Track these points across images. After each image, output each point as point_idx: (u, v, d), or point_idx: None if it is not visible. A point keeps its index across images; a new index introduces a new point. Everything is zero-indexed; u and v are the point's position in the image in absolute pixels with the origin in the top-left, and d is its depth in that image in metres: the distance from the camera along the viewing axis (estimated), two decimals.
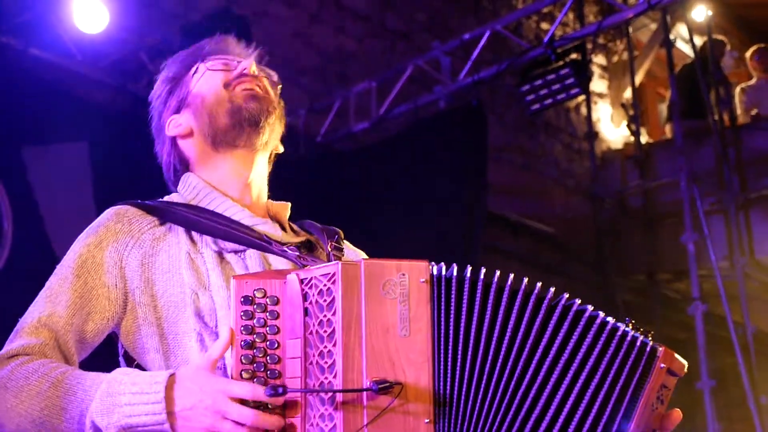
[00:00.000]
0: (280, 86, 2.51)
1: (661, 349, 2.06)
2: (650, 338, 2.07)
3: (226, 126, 2.38)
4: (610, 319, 2.05)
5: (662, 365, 2.05)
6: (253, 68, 2.44)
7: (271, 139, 2.43)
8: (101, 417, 1.94)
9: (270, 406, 1.90)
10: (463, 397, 1.94)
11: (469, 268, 2.00)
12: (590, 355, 2.00)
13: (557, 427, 1.96)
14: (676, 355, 2.09)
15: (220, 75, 2.43)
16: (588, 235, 10.47)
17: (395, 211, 7.45)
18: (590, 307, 2.04)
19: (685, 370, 2.12)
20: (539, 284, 2.03)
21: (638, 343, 2.05)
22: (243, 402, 1.88)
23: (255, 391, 1.88)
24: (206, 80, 2.44)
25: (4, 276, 5.81)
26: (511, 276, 2.02)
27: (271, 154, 2.52)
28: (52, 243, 6.01)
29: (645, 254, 10.29)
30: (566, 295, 2.04)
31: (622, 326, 2.05)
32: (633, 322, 2.08)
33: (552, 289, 2.03)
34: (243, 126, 2.38)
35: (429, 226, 7.33)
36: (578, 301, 2.04)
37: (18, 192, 6.07)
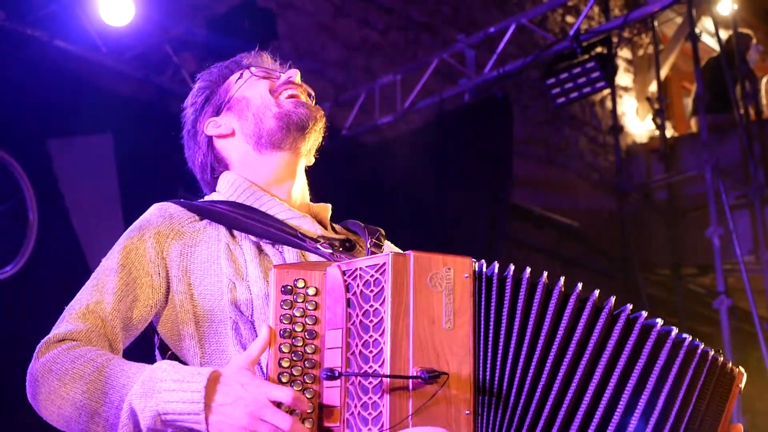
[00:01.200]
0: (314, 101, 2.57)
1: (737, 369, 2.11)
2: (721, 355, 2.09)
3: (272, 129, 2.44)
4: (686, 336, 2.05)
5: (740, 386, 2.10)
6: (298, 78, 2.51)
7: (312, 146, 2.50)
8: (139, 400, 1.96)
9: (305, 415, 1.92)
10: (504, 392, 1.95)
11: (512, 268, 2.01)
12: (664, 369, 2.01)
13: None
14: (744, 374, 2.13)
15: (264, 82, 2.50)
16: (612, 229, 10.43)
17: (420, 205, 7.43)
18: (659, 321, 2.05)
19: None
20: (597, 291, 2.04)
21: (719, 364, 2.08)
22: (280, 406, 1.90)
23: (295, 396, 1.89)
24: (250, 85, 2.50)
25: (30, 267, 5.82)
26: (562, 279, 2.03)
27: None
28: (77, 234, 6.02)
29: (670, 248, 10.25)
30: (630, 306, 2.04)
31: (701, 345, 2.06)
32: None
33: (612, 299, 2.04)
34: (291, 130, 2.44)
35: (453, 220, 7.32)
36: (644, 314, 2.04)
37: (43, 184, 6.10)
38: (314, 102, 2.55)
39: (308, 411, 1.92)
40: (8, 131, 5.93)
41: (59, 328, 2.17)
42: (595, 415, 1.97)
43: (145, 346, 2.38)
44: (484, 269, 2.00)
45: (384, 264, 1.91)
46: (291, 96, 2.49)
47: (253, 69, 2.53)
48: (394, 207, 7.35)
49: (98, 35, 6.52)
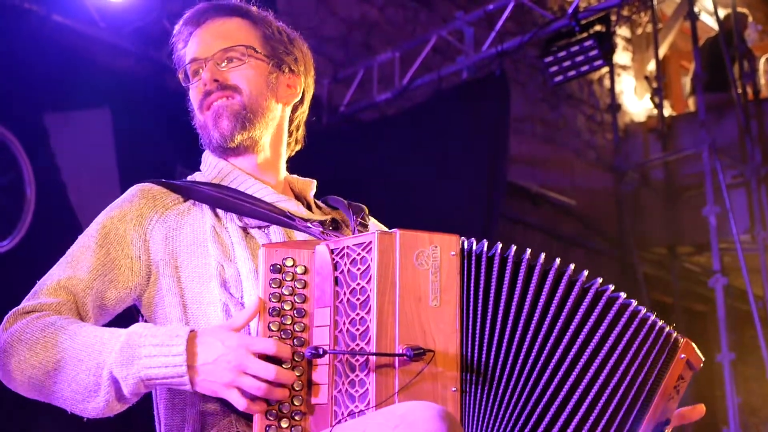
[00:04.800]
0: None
1: (683, 340, 2.10)
2: (673, 329, 2.10)
3: (212, 147, 2.38)
4: (642, 308, 2.07)
5: (683, 356, 2.08)
6: (210, 75, 2.34)
7: (263, 135, 2.38)
8: (120, 368, 1.95)
9: (294, 392, 1.92)
10: (490, 368, 1.96)
11: (499, 245, 2.02)
12: (621, 340, 2.03)
13: (584, 405, 1.98)
14: (696, 349, 2.12)
15: (195, 92, 2.39)
16: (609, 208, 10.44)
17: (417, 181, 7.44)
18: (623, 295, 2.06)
19: (701, 365, 2.15)
20: (572, 266, 2.06)
21: (664, 333, 2.08)
22: (264, 359, 1.90)
23: (278, 347, 1.90)
24: (192, 97, 2.42)
25: (27, 242, 5.84)
26: (543, 255, 2.04)
27: (292, 123, 2.51)
28: (74, 209, 6.03)
29: (666, 227, 10.27)
30: (600, 280, 2.06)
31: (651, 315, 2.07)
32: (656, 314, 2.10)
33: (585, 272, 2.06)
34: (224, 150, 2.36)
35: (450, 197, 7.33)
36: (611, 287, 2.06)
37: (41, 158, 6.09)
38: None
39: (297, 388, 1.93)
40: (6, 106, 5.93)
41: (29, 301, 2.14)
42: (577, 391, 2.00)
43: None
44: (473, 247, 2.00)
45: (370, 242, 1.92)
46: (200, 107, 2.37)
47: (187, 73, 2.42)
48: (391, 184, 7.36)
49: (96, 10, 6.51)
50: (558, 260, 2.04)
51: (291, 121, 2.50)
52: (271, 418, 1.91)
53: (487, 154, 7.29)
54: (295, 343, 1.95)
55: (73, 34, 6.48)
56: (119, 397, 1.99)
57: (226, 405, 2.07)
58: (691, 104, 11.24)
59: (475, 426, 1.94)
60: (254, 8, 2.45)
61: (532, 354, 1.99)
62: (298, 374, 1.93)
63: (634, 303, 2.06)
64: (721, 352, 8.10)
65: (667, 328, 2.08)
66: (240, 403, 1.91)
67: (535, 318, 2.00)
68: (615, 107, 10.64)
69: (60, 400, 2.04)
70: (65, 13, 6.39)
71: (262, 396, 1.90)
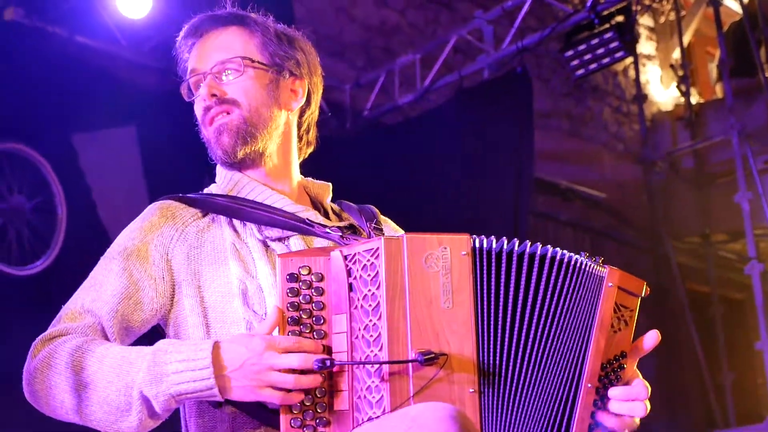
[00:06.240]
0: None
1: (605, 269, 2.06)
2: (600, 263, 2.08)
3: (218, 162, 2.39)
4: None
5: (610, 284, 2.05)
6: (208, 90, 2.32)
7: (268, 145, 2.36)
8: (149, 387, 1.96)
9: (317, 398, 1.94)
10: (509, 367, 1.96)
11: (504, 240, 2.01)
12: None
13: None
14: (630, 275, 2.09)
15: (197, 107, 2.38)
16: (640, 199, 10.39)
17: (444, 182, 7.45)
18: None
19: (646, 289, 2.12)
20: (582, 253, 2.06)
21: (581, 270, 2.05)
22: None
23: (301, 343, 1.93)
24: (196, 111, 2.40)
25: (60, 261, 5.90)
26: (549, 246, 2.03)
27: (300, 127, 2.47)
28: (105, 227, 6.09)
29: (699, 216, 10.20)
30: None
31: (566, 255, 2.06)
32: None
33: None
34: (230, 166, 2.36)
35: (477, 196, 7.33)
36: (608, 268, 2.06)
37: (70, 178, 6.16)
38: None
39: (319, 395, 1.94)
40: (34, 128, 6.01)
41: (55, 327, 2.14)
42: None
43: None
44: (484, 245, 1.98)
45: (377, 248, 1.92)
46: (203, 122, 2.37)
47: (191, 87, 2.40)
48: (418, 186, 7.37)
49: (117, 28, 6.58)
50: (562, 250, 2.04)
51: (300, 125, 2.47)
52: (296, 426, 1.92)
53: (512, 151, 7.28)
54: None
55: (96, 54, 6.55)
56: (151, 414, 2.01)
57: (254, 417, 2.08)
58: (719, 91, 11.16)
59: (496, 426, 1.94)
60: (252, 14, 2.42)
61: (548, 350, 2.00)
62: (320, 380, 1.95)
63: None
64: (760, 339, 8.03)
65: (585, 265, 2.05)
66: (275, 397, 1.93)
67: (551, 312, 2.01)
68: (641, 97, 10.57)
69: (94, 422, 2.05)
70: (87, 33, 6.46)
71: (294, 387, 1.92)
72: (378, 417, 1.87)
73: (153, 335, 2.27)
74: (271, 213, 2.26)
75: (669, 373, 9.50)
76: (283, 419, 1.93)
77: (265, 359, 1.91)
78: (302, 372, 1.92)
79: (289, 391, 1.93)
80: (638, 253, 10.11)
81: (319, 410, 1.94)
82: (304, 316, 1.97)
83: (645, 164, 10.37)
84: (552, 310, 2.01)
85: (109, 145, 6.49)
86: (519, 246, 2.01)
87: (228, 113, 2.32)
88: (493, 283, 1.98)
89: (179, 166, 6.19)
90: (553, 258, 2.02)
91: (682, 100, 10.56)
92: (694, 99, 10.97)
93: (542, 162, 9.14)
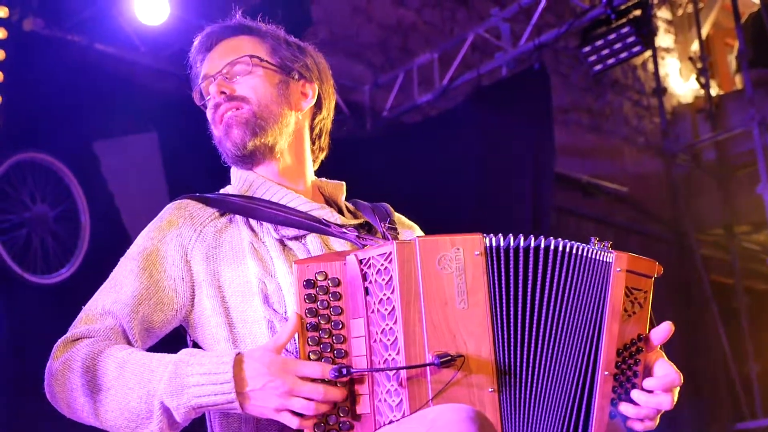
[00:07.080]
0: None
1: (611, 255, 2.05)
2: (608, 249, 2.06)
3: (229, 159, 2.40)
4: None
5: (618, 269, 2.04)
6: (218, 89, 2.35)
7: (278, 141, 2.37)
8: (170, 398, 1.97)
9: (338, 384, 1.94)
10: (525, 364, 1.97)
11: (512, 237, 2.01)
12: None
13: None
14: (640, 257, 2.07)
15: (208, 109, 2.41)
16: (662, 192, 10.36)
17: (465, 180, 7.46)
18: None
19: (658, 268, 2.09)
20: (592, 240, 2.06)
21: (592, 257, 2.05)
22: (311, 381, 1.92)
23: (324, 370, 1.92)
24: (207, 114, 2.43)
25: (84, 269, 5.93)
26: (552, 239, 2.03)
27: (313, 131, 2.49)
28: (129, 233, 6.12)
29: (721, 207, 10.16)
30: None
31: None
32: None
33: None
34: (241, 159, 2.37)
35: (498, 193, 7.34)
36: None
37: (93, 186, 6.19)
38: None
39: (341, 400, 1.95)
40: (55, 137, 6.04)
41: (76, 329, 2.14)
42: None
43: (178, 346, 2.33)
44: (501, 243, 1.99)
45: (390, 253, 1.93)
46: (213, 121, 2.39)
47: (201, 93, 2.44)
48: (439, 184, 7.38)
49: (136, 35, 6.61)
50: (569, 241, 2.04)
51: (311, 129, 2.48)
52: (320, 431, 1.94)
53: (532, 148, 7.29)
54: (335, 355, 1.97)
55: (115, 61, 6.60)
56: (171, 423, 2.01)
57: (279, 423, 2.08)
58: (739, 82, 11.10)
59: (516, 424, 1.95)
60: (263, 24, 2.45)
61: (563, 342, 2.00)
62: (341, 385, 1.95)
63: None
64: None
65: (591, 253, 2.04)
66: (293, 422, 1.94)
67: (562, 304, 2.01)
68: (660, 90, 10.53)
69: (114, 427, 2.06)
70: (107, 40, 6.50)
71: (313, 414, 1.93)
72: (398, 420, 1.87)
73: (177, 342, 2.29)
74: (287, 212, 2.27)
75: (695, 365, 9.47)
76: (308, 423, 1.95)
77: (286, 384, 1.91)
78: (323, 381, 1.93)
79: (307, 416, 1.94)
80: (662, 246, 10.07)
81: (341, 414, 1.95)
82: (322, 322, 1.97)
83: (666, 157, 10.34)
84: (562, 301, 2.01)
85: (130, 152, 6.52)
86: (524, 241, 2.01)
87: (237, 109, 2.34)
88: (504, 281, 1.98)
89: (200, 170, 6.21)
90: (556, 249, 2.02)
91: (702, 92, 10.52)
92: (714, 91, 10.92)
93: (563, 157, 9.12)
